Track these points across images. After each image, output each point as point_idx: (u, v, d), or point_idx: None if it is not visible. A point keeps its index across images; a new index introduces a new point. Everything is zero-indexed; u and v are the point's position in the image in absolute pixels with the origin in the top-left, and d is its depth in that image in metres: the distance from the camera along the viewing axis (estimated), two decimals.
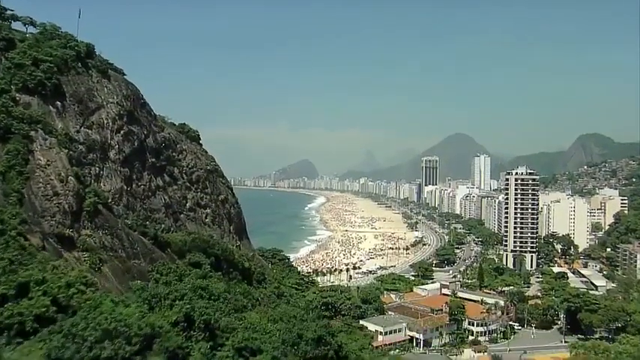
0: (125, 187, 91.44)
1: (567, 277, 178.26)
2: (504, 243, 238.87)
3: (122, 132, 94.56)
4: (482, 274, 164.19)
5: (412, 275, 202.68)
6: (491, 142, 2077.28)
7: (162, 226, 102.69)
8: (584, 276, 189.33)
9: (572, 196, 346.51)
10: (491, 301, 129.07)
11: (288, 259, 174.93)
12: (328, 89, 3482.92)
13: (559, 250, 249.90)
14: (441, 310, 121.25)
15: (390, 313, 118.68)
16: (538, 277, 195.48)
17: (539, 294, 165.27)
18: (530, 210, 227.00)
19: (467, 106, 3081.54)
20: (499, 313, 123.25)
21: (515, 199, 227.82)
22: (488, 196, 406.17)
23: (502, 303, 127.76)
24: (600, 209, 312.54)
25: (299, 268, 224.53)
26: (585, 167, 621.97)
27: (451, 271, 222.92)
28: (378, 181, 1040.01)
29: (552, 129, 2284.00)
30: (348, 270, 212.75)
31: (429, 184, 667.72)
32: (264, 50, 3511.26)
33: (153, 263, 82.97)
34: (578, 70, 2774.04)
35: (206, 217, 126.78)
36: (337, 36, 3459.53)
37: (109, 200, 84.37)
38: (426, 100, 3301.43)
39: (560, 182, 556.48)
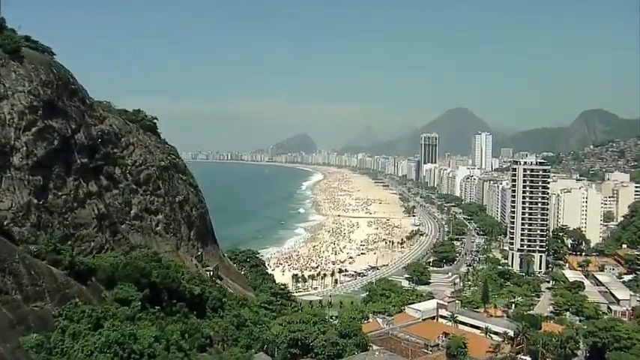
0: (35, 201, 68.92)
1: (584, 287, 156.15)
2: (510, 238, 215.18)
3: (34, 129, 71.49)
4: (487, 291, 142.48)
5: (406, 278, 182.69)
6: (491, 117, 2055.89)
7: (92, 245, 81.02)
8: (601, 283, 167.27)
9: (580, 180, 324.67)
10: (498, 329, 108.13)
11: (263, 263, 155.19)
12: (328, 61, 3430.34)
13: (569, 246, 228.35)
14: (438, 345, 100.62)
15: (374, 347, 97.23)
16: (549, 284, 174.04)
17: (551, 307, 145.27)
18: (539, 205, 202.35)
19: (467, 80, 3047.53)
20: (508, 348, 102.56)
21: (524, 192, 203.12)
22: (490, 180, 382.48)
23: (512, 333, 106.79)
24: (612, 197, 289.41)
25: (280, 268, 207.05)
26: (592, 147, 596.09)
27: (450, 273, 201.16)
28: (377, 157, 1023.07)
29: (554, 104, 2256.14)
30: (333, 274, 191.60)
31: (428, 161, 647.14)
32: (265, 20, 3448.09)
33: (64, 303, 61.99)
34: (581, 43, 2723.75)
35: (157, 225, 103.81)
36: (338, 7, 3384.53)
37: (7, 222, 63.28)
38: (426, 74, 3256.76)
39: (565, 163, 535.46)
